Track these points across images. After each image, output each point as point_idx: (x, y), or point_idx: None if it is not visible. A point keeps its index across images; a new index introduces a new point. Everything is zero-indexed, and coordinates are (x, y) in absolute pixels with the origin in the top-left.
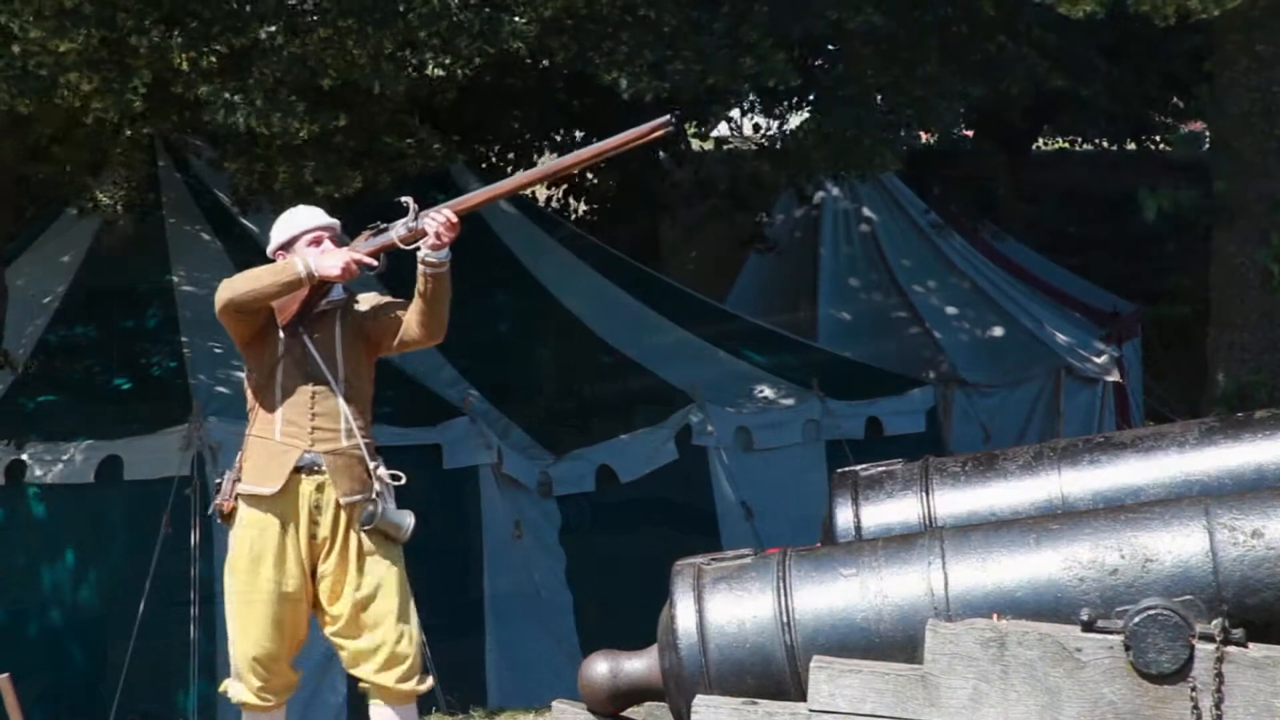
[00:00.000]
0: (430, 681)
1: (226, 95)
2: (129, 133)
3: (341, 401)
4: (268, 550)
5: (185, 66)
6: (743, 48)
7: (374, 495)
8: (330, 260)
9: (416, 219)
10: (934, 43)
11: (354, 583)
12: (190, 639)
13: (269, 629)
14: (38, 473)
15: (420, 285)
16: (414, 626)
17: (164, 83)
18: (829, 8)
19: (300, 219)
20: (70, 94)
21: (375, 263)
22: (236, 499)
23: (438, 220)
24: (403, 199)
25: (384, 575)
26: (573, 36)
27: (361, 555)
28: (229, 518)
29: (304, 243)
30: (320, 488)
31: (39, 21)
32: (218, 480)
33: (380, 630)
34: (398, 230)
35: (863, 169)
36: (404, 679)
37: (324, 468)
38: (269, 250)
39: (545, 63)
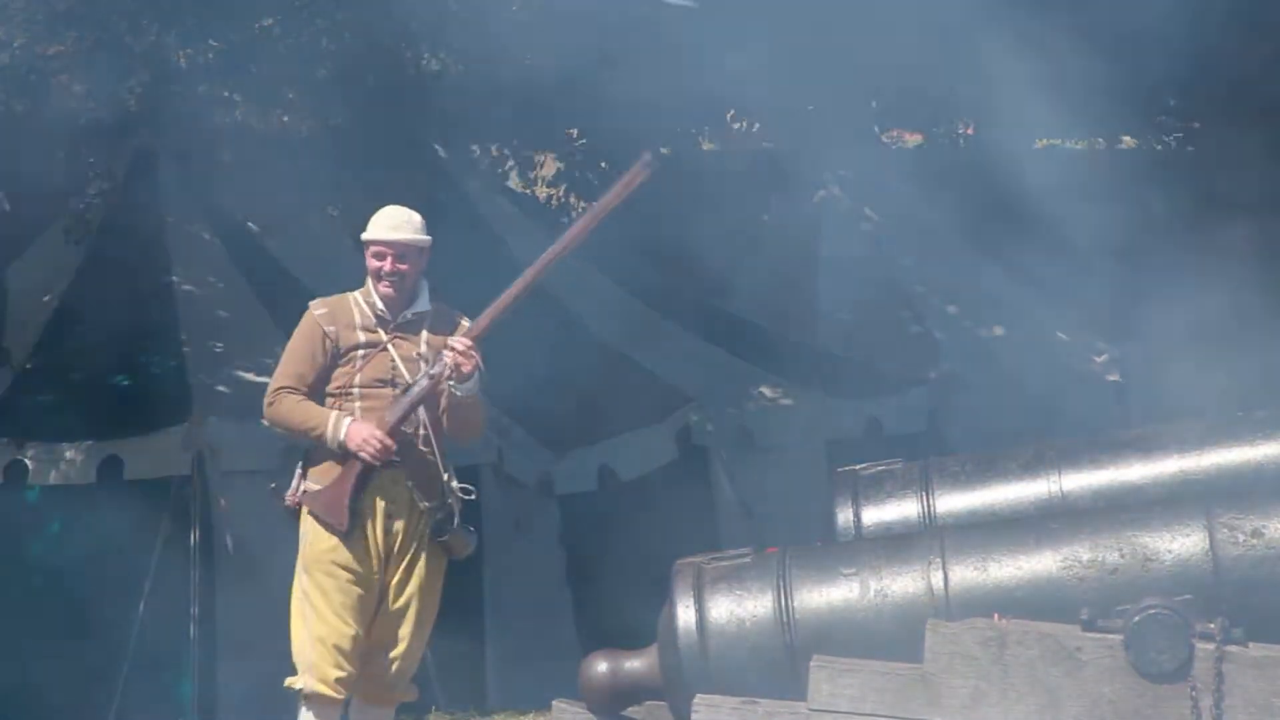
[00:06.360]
0: (416, 692)
1: (225, 93)
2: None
3: (422, 409)
4: (346, 537)
5: (183, 63)
6: None
7: (448, 505)
8: (356, 438)
9: (432, 364)
10: None
11: (399, 587)
12: (190, 640)
13: (348, 616)
14: (38, 473)
15: (446, 404)
16: (424, 643)
17: (163, 80)
18: None
19: (377, 227)
20: (65, 94)
21: (393, 444)
22: (303, 493)
23: (456, 350)
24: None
25: (425, 587)
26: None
27: (414, 561)
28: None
29: (369, 253)
30: (395, 480)
31: (27, 27)
32: (273, 485)
33: (398, 635)
34: (421, 384)
35: None
36: (394, 686)
37: (400, 465)
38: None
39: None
